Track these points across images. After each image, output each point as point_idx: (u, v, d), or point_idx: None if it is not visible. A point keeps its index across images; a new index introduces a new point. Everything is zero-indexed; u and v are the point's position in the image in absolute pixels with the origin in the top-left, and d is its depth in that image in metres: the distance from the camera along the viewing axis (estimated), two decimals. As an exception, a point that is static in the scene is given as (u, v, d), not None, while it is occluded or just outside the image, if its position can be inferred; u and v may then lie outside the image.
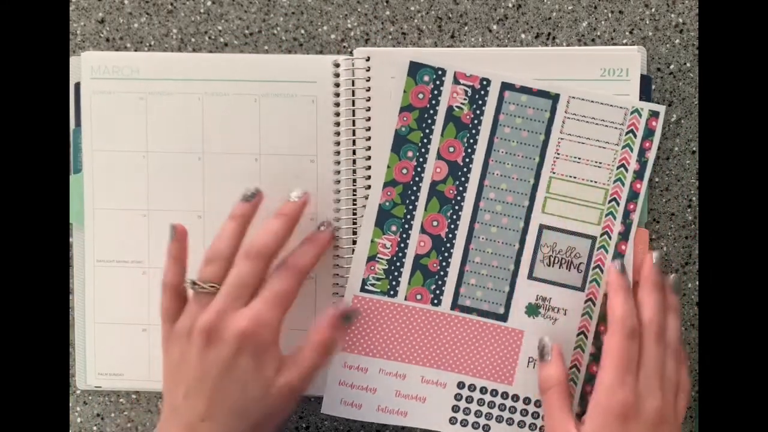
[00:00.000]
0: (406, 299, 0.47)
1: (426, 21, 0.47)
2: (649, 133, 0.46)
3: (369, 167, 0.46)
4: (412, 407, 0.47)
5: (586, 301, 0.46)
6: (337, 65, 0.46)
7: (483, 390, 0.47)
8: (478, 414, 0.47)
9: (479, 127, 0.46)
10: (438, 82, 0.46)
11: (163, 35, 0.48)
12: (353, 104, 0.46)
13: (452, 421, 0.47)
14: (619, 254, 0.46)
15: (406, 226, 0.46)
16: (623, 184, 0.46)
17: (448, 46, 0.47)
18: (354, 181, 0.46)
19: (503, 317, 0.46)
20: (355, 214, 0.46)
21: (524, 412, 0.47)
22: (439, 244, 0.46)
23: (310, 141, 0.46)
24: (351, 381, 0.47)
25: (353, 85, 0.46)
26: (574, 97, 0.46)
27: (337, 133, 0.46)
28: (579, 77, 0.45)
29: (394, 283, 0.47)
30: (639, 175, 0.46)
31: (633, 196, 0.46)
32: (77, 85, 0.47)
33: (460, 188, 0.46)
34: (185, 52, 0.48)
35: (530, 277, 0.46)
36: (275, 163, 0.47)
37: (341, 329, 0.45)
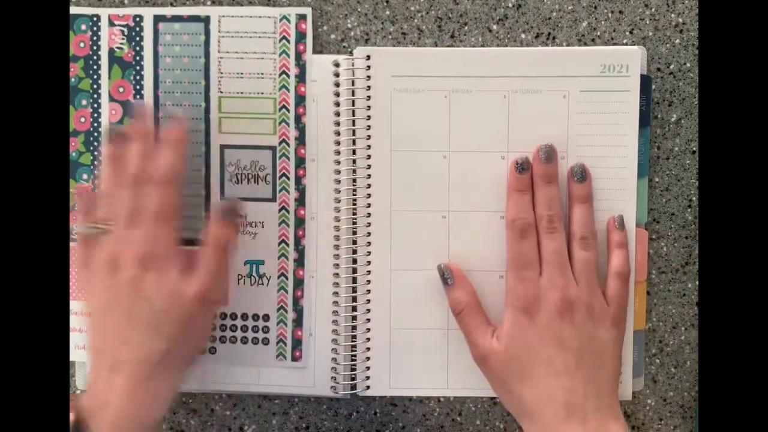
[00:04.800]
0: None
1: (426, 21, 0.47)
2: (300, 36, 0.47)
3: (369, 167, 0.47)
4: None
5: (279, 210, 0.47)
6: (337, 65, 0.46)
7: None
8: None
9: (142, 63, 0.47)
10: (95, 28, 0.47)
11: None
12: (353, 104, 0.46)
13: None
14: None
15: (96, 172, 0.48)
16: (288, 90, 0.47)
17: (448, 46, 0.47)
18: (354, 181, 0.47)
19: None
20: (354, 214, 0.47)
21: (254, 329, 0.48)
22: (130, 183, 0.48)
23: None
24: None
25: (353, 85, 0.46)
26: (224, 16, 0.46)
27: (337, 133, 0.47)
28: (579, 74, 0.46)
29: (98, 228, 0.48)
30: (301, 78, 0.47)
31: (300, 100, 0.47)
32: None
33: (138, 126, 0.47)
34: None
35: (222, 198, 0.48)
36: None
37: (232, 225, 0.45)
